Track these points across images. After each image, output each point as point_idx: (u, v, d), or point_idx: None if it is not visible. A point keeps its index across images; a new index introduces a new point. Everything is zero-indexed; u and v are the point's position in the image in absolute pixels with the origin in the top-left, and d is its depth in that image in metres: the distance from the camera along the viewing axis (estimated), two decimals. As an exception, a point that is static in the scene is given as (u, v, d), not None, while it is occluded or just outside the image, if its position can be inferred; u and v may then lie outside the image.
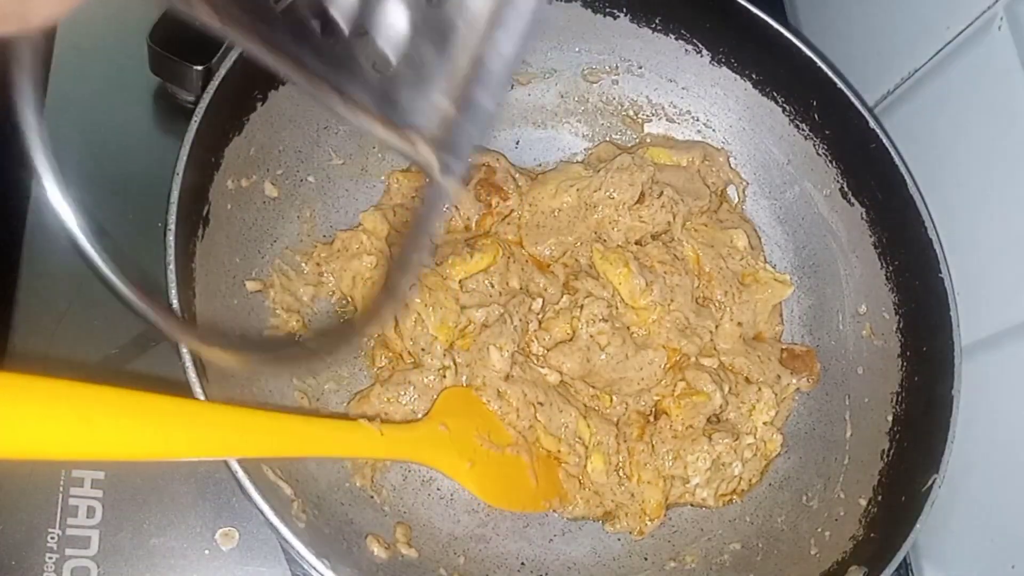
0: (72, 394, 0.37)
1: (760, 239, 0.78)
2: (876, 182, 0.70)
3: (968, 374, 0.63)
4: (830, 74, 0.70)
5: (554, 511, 0.67)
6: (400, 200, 0.73)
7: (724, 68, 0.76)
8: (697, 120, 0.79)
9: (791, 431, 0.73)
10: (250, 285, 0.64)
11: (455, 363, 0.65)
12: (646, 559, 0.67)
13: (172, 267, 0.52)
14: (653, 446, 0.68)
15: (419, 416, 0.63)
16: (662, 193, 0.73)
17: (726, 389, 0.70)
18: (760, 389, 0.71)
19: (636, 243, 0.73)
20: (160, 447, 0.42)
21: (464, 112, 0.27)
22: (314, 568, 0.50)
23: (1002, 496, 0.65)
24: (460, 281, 0.67)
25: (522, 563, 0.65)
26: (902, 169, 0.68)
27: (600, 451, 0.67)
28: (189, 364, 0.50)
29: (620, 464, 0.68)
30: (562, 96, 0.79)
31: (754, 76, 0.75)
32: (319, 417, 0.56)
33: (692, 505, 0.70)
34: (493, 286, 0.68)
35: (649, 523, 0.68)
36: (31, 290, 0.65)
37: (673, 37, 0.76)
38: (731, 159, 0.79)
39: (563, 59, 0.78)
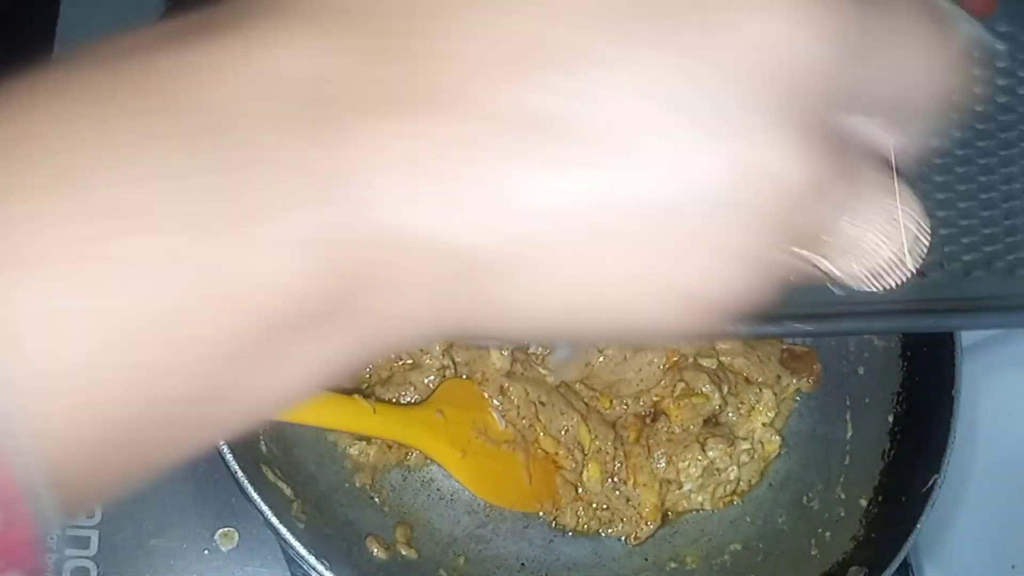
0: None
1: (760, 239, 0.78)
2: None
3: (968, 374, 0.63)
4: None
5: (544, 514, 0.67)
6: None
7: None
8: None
9: (791, 431, 0.72)
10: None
11: (454, 362, 0.65)
12: (646, 560, 0.67)
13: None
14: (648, 448, 0.68)
15: (419, 417, 0.63)
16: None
17: (725, 390, 0.69)
18: (760, 390, 0.71)
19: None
20: None
21: None
22: (314, 569, 0.50)
23: (1002, 496, 0.65)
24: (459, 280, 0.67)
25: (522, 564, 0.65)
26: (902, 169, 0.68)
27: (598, 459, 0.67)
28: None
29: (616, 471, 0.68)
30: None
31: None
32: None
33: (691, 511, 0.70)
34: (492, 285, 0.68)
35: (645, 527, 0.67)
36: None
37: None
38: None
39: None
